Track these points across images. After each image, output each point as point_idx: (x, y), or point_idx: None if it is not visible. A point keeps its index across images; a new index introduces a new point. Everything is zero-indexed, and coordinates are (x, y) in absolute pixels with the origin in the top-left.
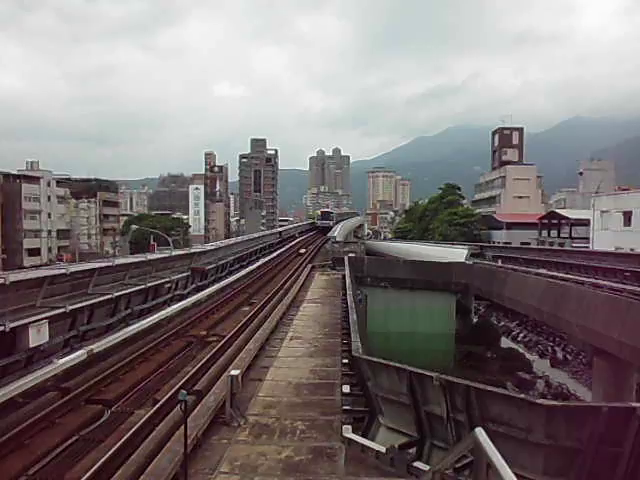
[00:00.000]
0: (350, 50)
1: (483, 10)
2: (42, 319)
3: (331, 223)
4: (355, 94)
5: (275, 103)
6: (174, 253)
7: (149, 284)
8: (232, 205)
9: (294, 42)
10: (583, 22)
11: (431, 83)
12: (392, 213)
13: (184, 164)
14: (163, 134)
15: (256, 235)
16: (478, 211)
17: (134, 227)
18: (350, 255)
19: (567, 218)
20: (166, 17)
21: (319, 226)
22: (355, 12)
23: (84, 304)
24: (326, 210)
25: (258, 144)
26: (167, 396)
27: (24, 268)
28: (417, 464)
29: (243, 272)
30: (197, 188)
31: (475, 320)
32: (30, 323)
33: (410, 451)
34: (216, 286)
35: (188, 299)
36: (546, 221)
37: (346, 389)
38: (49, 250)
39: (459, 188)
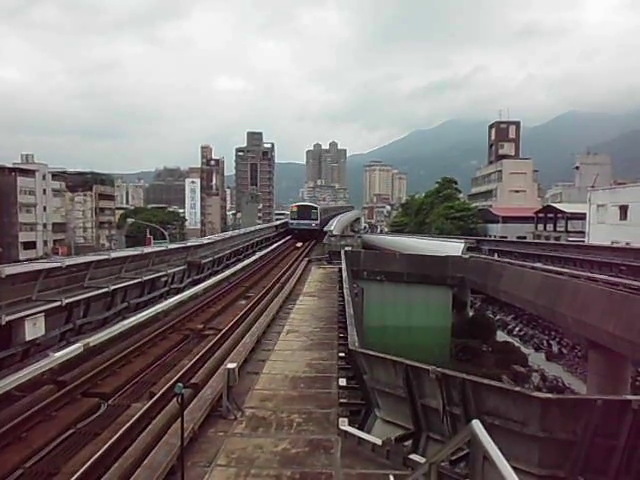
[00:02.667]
0: (353, 44)
1: (489, 3)
2: (38, 312)
3: (314, 224)
4: (357, 88)
5: (277, 97)
6: (170, 246)
7: (145, 277)
8: (228, 199)
9: (297, 36)
10: (588, 16)
11: (434, 77)
12: (389, 207)
13: (182, 157)
14: (163, 127)
15: (252, 229)
16: (474, 205)
17: (130, 220)
18: (347, 249)
19: (563, 212)
20: (170, 10)
21: (294, 229)
22: (359, 5)
23: (80, 297)
24: (305, 204)
25: (254, 137)
26: (163, 389)
27: (19, 261)
28: (413, 457)
29: (240, 265)
30: (193, 182)
31: (471, 314)
32: (26, 316)
33: (406, 444)
34: (212, 279)
35: (184, 292)
36: (542, 215)
37: (343, 382)
38: (45, 243)
39: (455, 182)
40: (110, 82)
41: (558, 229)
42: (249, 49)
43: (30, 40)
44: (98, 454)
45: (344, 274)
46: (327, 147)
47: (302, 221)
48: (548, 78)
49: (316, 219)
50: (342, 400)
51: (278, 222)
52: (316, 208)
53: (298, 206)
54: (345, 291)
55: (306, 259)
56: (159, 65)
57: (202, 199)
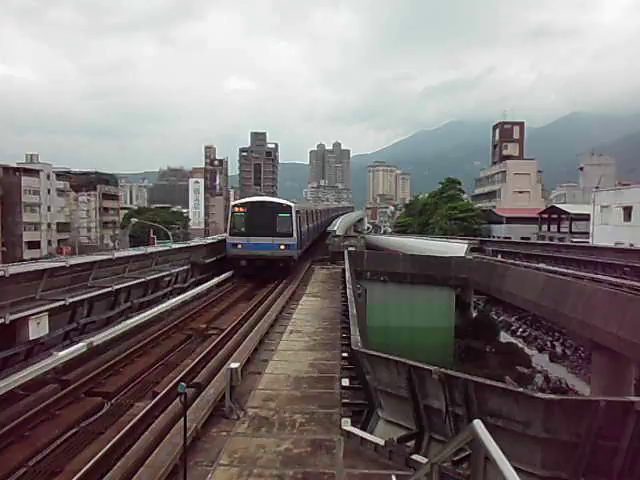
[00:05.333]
0: (365, 45)
1: (504, 3)
2: (42, 312)
3: (283, 246)
4: (367, 89)
5: (286, 98)
6: (174, 246)
7: (149, 277)
8: (232, 199)
9: (309, 37)
10: (602, 17)
11: (446, 77)
12: (392, 207)
13: (188, 158)
14: (170, 128)
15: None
16: (478, 206)
17: (134, 220)
18: (350, 249)
19: (567, 213)
20: (184, 11)
21: (239, 257)
22: (372, 6)
23: (84, 297)
24: (263, 200)
25: (258, 138)
26: (167, 389)
27: (24, 261)
28: (415, 457)
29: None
30: (197, 182)
31: (474, 314)
32: (30, 316)
33: (409, 444)
34: (216, 279)
35: (188, 292)
36: (546, 216)
37: (345, 382)
38: (49, 243)
39: (459, 183)
40: (121, 82)
41: (562, 230)
42: (260, 50)
43: (44, 40)
44: (101, 453)
45: (347, 274)
46: (330, 147)
47: (257, 238)
48: (560, 79)
49: (289, 233)
50: (345, 400)
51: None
52: (289, 209)
53: (247, 205)
54: (348, 291)
55: (309, 259)
56: (170, 66)
57: (206, 199)
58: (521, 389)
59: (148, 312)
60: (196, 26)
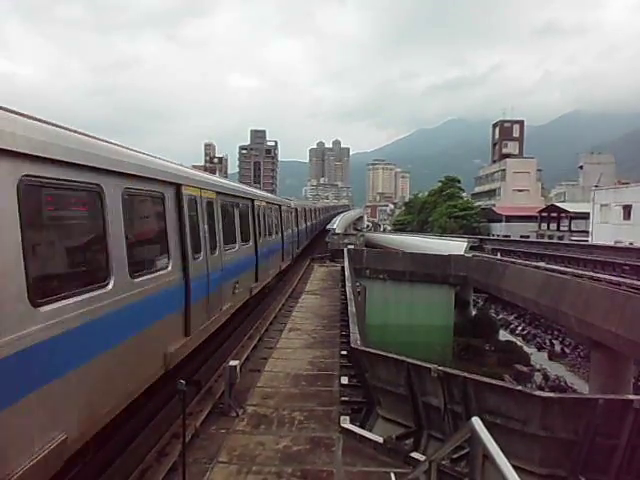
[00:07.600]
0: (370, 43)
1: (509, 1)
2: None
3: None
4: (372, 87)
5: (290, 95)
6: None
7: None
8: None
9: (314, 35)
10: (609, 15)
11: (450, 75)
12: (392, 205)
13: (188, 155)
14: (173, 125)
15: None
16: (478, 204)
17: None
18: (349, 247)
19: (567, 211)
20: (191, 8)
21: None
22: (378, 3)
23: None
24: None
25: (258, 135)
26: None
27: None
28: (414, 455)
29: None
30: None
31: (474, 313)
32: None
33: (407, 442)
34: None
35: None
36: (546, 214)
37: (344, 380)
38: None
39: (459, 181)
40: (124, 80)
41: (562, 228)
42: (265, 48)
43: (51, 38)
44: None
45: (346, 272)
46: (330, 145)
47: None
48: (565, 76)
49: None
50: (344, 398)
51: None
52: None
53: None
54: (347, 289)
55: (309, 257)
56: (174, 63)
57: None
58: (519, 387)
59: None
60: (202, 24)
